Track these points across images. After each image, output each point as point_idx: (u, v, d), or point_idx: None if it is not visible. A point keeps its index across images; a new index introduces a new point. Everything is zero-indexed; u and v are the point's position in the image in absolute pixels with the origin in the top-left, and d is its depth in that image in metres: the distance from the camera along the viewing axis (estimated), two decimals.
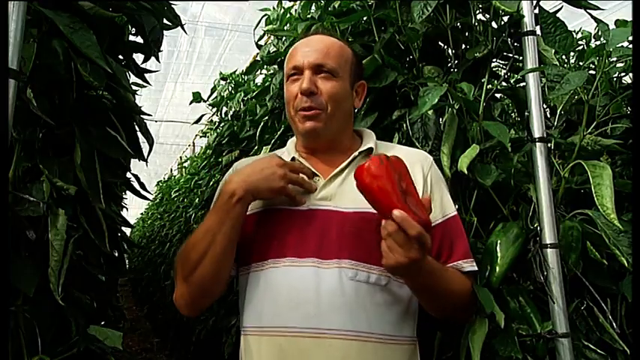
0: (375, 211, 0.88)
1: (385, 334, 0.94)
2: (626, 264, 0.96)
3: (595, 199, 0.98)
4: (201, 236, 0.96)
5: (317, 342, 0.90)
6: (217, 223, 0.94)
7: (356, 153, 1.04)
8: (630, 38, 1.04)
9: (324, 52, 1.02)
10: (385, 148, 1.06)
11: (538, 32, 1.19)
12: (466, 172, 1.04)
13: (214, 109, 3.21)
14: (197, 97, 3.35)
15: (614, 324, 1.07)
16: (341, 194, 0.99)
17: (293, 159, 1.06)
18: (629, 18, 1.30)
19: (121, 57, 1.39)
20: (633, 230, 0.94)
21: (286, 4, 2.31)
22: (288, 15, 2.24)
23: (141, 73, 1.49)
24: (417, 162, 1.03)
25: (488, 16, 1.26)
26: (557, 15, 1.19)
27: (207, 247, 0.94)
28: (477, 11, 1.29)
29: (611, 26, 1.16)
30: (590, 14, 1.19)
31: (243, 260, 1.02)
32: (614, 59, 1.15)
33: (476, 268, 1.00)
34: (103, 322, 1.31)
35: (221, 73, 3.24)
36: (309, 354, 0.89)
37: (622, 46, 1.09)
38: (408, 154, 1.01)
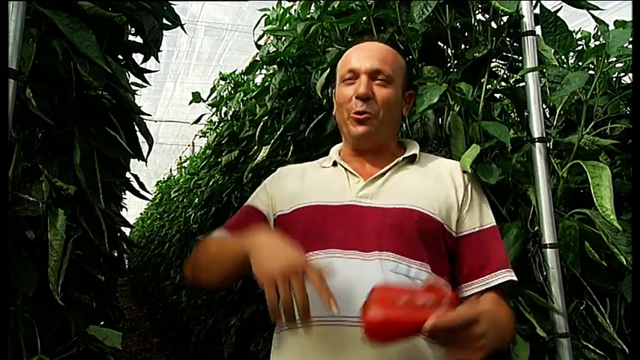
0: (415, 207, 0.93)
1: None
2: (625, 263, 0.96)
3: (594, 199, 0.98)
4: (217, 253, 0.97)
5: (357, 330, 0.87)
6: (234, 258, 0.93)
7: (400, 158, 1.06)
8: (630, 39, 1.04)
9: (381, 58, 1.03)
10: (428, 158, 1.10)
11: (537, 32, 1.19)
12: (470, 171, 1.05)
13: (214, 109, 3.21)
14: (196, 97, 3.35)
15: (613, 323, 1.08)
16: (381, 194, 1.01)
17: (335, 163, 1.08)
18: (629, 18, 1.30)
19: (120, 57, 1.39)
20: (633, 230, 0.94)
21: (286, 4, 2.31)
22: (288, 15, 2.24)
23: (140, 72, 1.49)
24: (459, 170, 1.06)
25: (487, 16, 1.26)
26: (558, 14, 1.19)
27: (220, 265, 0.97)
28: (477, 11, 1.29)
29: (611, 27, 1.16)
30: (591, 14, 1.19)
31: None
32: (614, 59, 1.15)
33: (514, 278, 0.97)
34: (102, 322, 1.31)
35: (221, 73, 3.24)
36: (355, 343, 0.88)
37: (621, 46, 1.09)
38: (448, 164, 1.07)
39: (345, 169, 1.06)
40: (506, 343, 0.97)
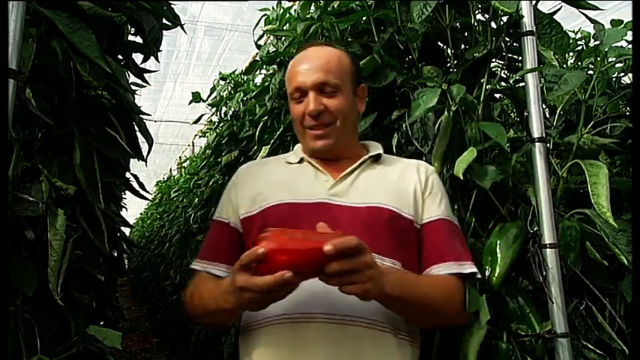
0: (385, 206, 0.94)
1: (398, 328, 0.94)
2: (626, 262, 0.96)
3: (591, 197, 0.98)
4: (211, 307, 0.95)
5: (333, 327, 0.90)
6: (226, 310, 0.92)
7: (366, 157, 1.07)
8: (628, 37, 1.04)
9: (325, 68, 1.02)
10: (392, 158, 1.11)
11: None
12: (462, 177, 1.05)
13: (214, 109, 3.21)
14: (196, 97, 3.35)
15: (613, 324, 1.08)
16: (352, 192, 1.01)
17: (302, 160, 1.08)
18: (627, 18, 1.30)
19: (120, 57, 1.39)
20: (633, 230, 0.94)
21: (285, 4, 2.31)
22: (288, 15, 2.25)
23: (140, 72, 1.48)
24: (421, 166, 1.08)
25: (487, 16, 1.26)
26: (557, 15, 1.19)
27: (216, 317, 0.97)
28: (477, 11, 1.29)
29: (608, 26, 1.16)
30: (585, 15, 1.19)
31: None
32: (613, 59, 1.15)
33: (472, 270, 0.98)
34: (102, 322, 1.31)
35: (220, 73, 3.24)
36: (326, 339, 0.89)
37: (620, 46, 1.09)
38: (411, 162, 1.09)
39: (314, 166, 1.05)
40: (432, 319, 0.97)
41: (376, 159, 1.08)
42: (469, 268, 0.98)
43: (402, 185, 1.03)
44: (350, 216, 0.97)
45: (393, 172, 1.06)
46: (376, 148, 1.10)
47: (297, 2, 2.14)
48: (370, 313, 0.91)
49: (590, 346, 1.06)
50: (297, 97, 1.04)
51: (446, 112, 1.21)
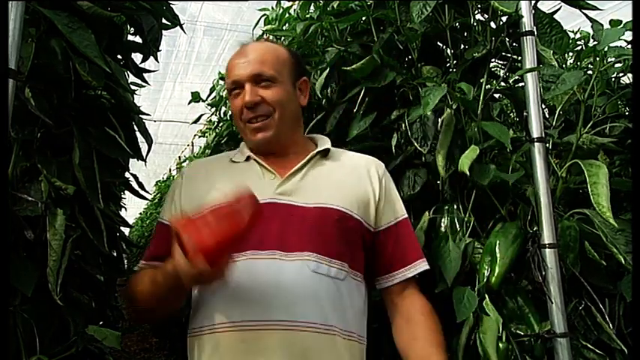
0: (334, 206, 0.95)
1: (344, 328, 0.94)
2: (624, 262, 0.96)
3: (591, 197, 0.98)
4: (148, 292, 0.95)
5: (280, 334, 0.89)
6: (167, 288, 0.92)
7: (314, 152, 1.05)
8: (626, 37, 1.04)
9: (259, 60, 1.02)
10: (341, 153, 1.10)
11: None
12: (467, 172, 1.05)
13: (213, 109, 3.21)
14: (196, 97, 3.35)
15: (611, 324, 1.08)
16: (300, 190, 1.00)
17: (248, 158, 1.06)
18: (627, 18, 1.30)
19: (119, 57, 1.39)
20: (633, 230, 0.94)
21: (285, 4, 2.31)
22: (287, 15, 2.24)
23: (139, 72, 1.48)
24: (373, 165, 1.07)
25: (486, 16, 1.26)
26: (557, 15, 1.19)
27: (155, 305, 0.96)
28: (476, 11, 1.29)
29: (607, 26, 1.16)
30: (585, 14, 1.19)
31: None
32: (612, 59, 1.16)
33: (427, 267, 1.03)
34: (101, 322, 1.31)
35: (220, 72, 3.23)
36: (273, 346, 0.89)
37: (620, 46, 1.09)
38: (362, 159, 1.08)
39: (260, 164, 1.04)
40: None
41: (325, 154, 1.06)
42: (424, 265, 1.03)
43: (353, 184, 1.02)
44: (299, 216, 0.96)
45: (342, 169, 1.05)
46: (324, 143, 1.08)
47: (297, 2, 2.14)
48: (317, 317, 0.91)
49: (589, 345, 1.06)
50: (234, 90, 1.03)
51: (448, 110, 1.21)
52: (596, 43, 1.10)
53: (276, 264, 0.92)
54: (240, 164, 1.06)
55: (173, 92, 8.25)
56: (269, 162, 1.04)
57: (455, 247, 1.10)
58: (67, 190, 1.07)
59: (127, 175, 1.51)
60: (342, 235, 0.97)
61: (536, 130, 1.12)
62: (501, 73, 1.31)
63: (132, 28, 1.40)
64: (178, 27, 1.49)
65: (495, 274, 1.06)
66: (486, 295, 1.04)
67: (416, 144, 1.26)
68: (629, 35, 1.25)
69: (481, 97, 1.21)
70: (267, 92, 1.01)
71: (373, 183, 1.03)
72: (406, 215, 1.06)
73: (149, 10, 1.35)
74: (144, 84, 1.67)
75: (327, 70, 1.52)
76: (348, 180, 1.03)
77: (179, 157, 7.84)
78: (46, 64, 1.07)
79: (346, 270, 0.96)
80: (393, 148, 1.33)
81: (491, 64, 1.28)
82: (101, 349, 1.11)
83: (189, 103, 3.46)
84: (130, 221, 7.31)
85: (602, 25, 1.12)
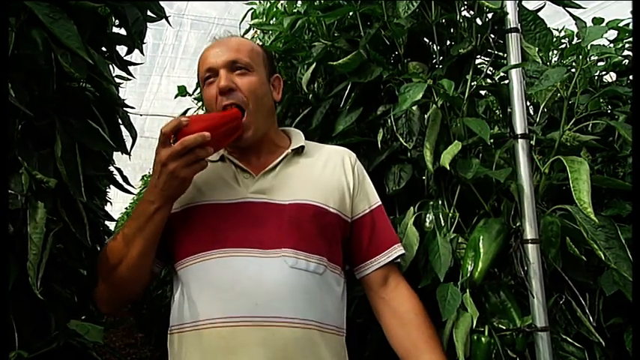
0: (311, 202, 0.98)
1: (324, 322, 0.95)
2: (604, 257, 0.98)
3: (573, 193, 0.99)
4: (120, 240, 0.97)
5: (261, 330, 0.89)
6: (137, 229, 0.94)
7: (289, 150, 1.05)
8: (608, 36, 1.06)
9: (235, 49, 1.03)
10: (314, 148, 1.11)
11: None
12: (448, 167, 1.06)
13: (200, 103, 3.19)
14: (182, 91, 3.31)
15: (591, 318, 1.10)
16: (275, 189, 1.00)
17: (222, 158, 1.06)
18: (610, 17, 1.32)
19: (104, 49, 1.37)
20: (633, 230, 0.96)
21: None
22: (274, 9, 2.23)
23: (124, 65, 1.46)
24: (345, 155, 1.09)
25: (472, 12, 1.27)
26: (541, 13, 1.20)
27: (125, 252, 0.96)
28: (462, 8, 1.29)
29: (590, 24, 1.18)
30: (569, 12, 1.20)
31: (177, 255, 1.01)
32: (595, 58, 1.17)
33: (404, 251, 1.07)
34: (83, 317, 1.30)
35: None
36: (254, 343, 0.89)
37: (602, 45, 1.10)
38: (335, 150, 1.11)
39: (234, 163, 1.03)
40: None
41: (299, 151, 1.07)
42: (399, 249, 1.06)
43: (327, 177, 1.03)
44: (275, 213, 0.97)
45: (316, 163, 1.06)
46: (298, 139, 1.09)
47: None
48: (295, 313, 0.91)
49: (569, 339, 1.08)
50: (208, 78, 1.03)
51: (434, 106, 1.21)
52: (579, 41, 1.11)
53: (256, 261, 0.93)
54: (216, 164, 1.05)
55: (160, 86, 8.18)
56: (243, 161, 1.03)
57: (444, 242, 1.11)
58: (49, 183, 1.05)
59: (111, 168, 1.49)
60: (320, 230, 0.97)
61: (520, 127, 1.13)
62: (487, 69, 1.32)
63: (116, 20, 1.38)
64: (165, 20, 1.47)
65: (479, 270, 1.07)
66: (467, 290, 1.05)
67: (401, 139, 1.27)
68: (611, 34, 1.27)
69: (466, 94, 1.22)
70: (242, 80, 1.01)
71: (347, 173, 1.05)
72: (380, 203, 1.08)
73: (133, 1, 1.33)
74: (129, 77, 1.64)
75: (314, 64, 1.52)
76: (323, 174, 1.03)
77: None
78: (26, 54, 1.05)
79: (325, 264, 0.97)
80: (379, 143, 1.33)
81: (477, 61, 1.29)
82: (83, 343, 1.10)
83: (175, 96, 3.42)
84: (117, 216, 7.24)
85: (585, 23, 1.13)
